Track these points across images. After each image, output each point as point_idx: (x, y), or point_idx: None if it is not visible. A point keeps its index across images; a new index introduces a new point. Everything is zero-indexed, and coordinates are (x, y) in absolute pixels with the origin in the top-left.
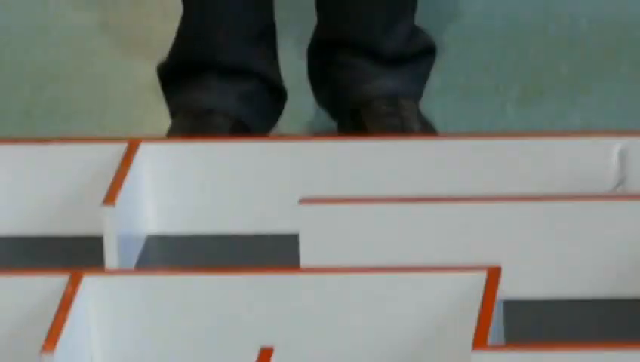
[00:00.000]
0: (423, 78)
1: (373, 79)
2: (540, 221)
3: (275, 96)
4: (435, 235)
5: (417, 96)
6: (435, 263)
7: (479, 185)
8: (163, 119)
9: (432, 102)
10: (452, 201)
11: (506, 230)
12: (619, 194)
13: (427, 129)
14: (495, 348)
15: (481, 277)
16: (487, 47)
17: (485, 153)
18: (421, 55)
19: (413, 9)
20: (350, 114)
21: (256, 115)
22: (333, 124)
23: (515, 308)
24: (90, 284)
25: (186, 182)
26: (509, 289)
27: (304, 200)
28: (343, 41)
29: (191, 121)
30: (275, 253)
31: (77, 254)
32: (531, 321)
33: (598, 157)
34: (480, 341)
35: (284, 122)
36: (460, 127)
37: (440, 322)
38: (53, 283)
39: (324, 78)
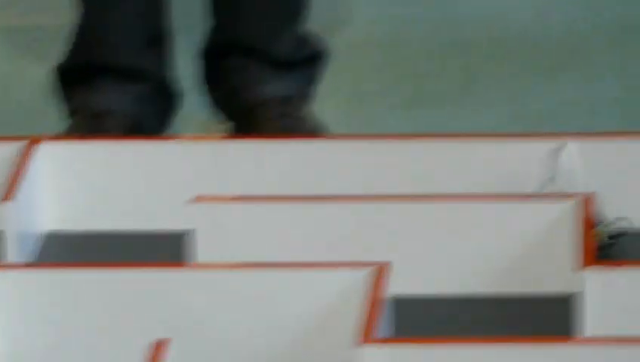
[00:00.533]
0: (314, 81)
1: (265, 82)
2: (428, 220)
3: (169, 98)
4: (326, 234)
5: (309, 98)
6: (324, 261)
7: (370, 185)
8: (61, 119)
9: (323, 105)
10: (343, 200)
11: (395, 229)
12: (518, 194)
13: (318, 130)
14: (380, 341)
15: (369, 273)
16: (377, 52)
17: (378, 154)
18: (312, 59)
19: (305, 14)
20: (244, 115)
21: (151, 116)
22: (228, 126)
23: (404, 305)
24: None
25: (84, 181)
26: (398, 286)
27: (197, 199)
28: (235, 45)
29: (88, 122)
30: (167, 250)
31: None
32: (420, 318)
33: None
34: (366, 336)
35: (180, 123)
36: (349, 129)
37: (327, 318)
38: None
39: (217, 80)
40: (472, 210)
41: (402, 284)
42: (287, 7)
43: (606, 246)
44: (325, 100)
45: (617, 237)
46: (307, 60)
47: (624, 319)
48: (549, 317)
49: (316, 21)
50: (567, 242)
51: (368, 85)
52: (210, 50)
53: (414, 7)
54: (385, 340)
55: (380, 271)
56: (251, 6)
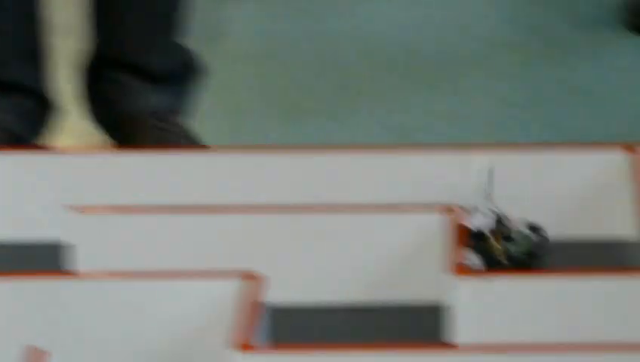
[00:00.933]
0: (190, 94)
1: (142, 95)
2: (303, 230)
3: (49, 110)
4: (204, 244)
5: (184, 111)
6: (202, 270)
7: (247, 197)
8: None
9: (200, 120)
10: (220, 211)
11: (271, 239)
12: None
13: (194, 143)
14: (255, 350)
15: (246, 282)
16: (254, 66)
17: (257, 166)
18: (188, 73)
19: (180, 28)
20: (120, 128)
21: (28, 128)
22: (107, 139)
23: (279, 314)
24: None
25: None
26: (274, 295)
27: (76, 209)
28: (112, 60)
29: None
30: (46, 260)
31: None
32: (295, 327)
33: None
34: (241, 344)
35: (60, 135)
36: (227, 141)
37: (204, 328)
38: None
39: (95, 94)
40: (346, 220)
41: (278, 293)
42: (163, 22)
43: (518, 257)
44: (203, 113)
45: (529, 247)
46: (182, 74)
47: (493, 328)
48: (422, 325)
49: (193, 35)
50: (440, 252)
51: (245, 98)
52: (87, 63)
53: (291, 22)
54: (260, 349)
55: (256, 281)
56: (127, 20)
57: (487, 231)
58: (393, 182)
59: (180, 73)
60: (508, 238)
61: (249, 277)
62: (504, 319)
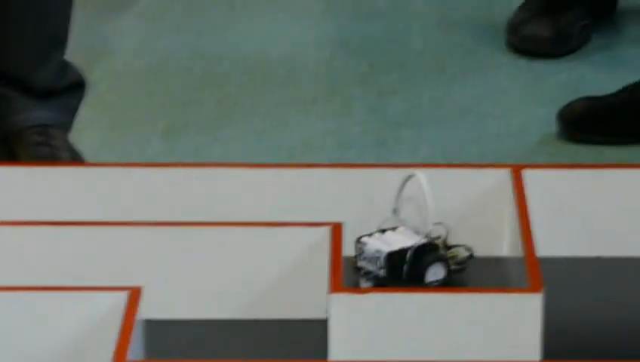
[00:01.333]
0: (73, 110)
1: (24, 110)
2: (185, 244)
3: None
4: (82, 258)
5: (67, 127)
6: (79, 285)
7: (128, 212)
8: None
9: (82, 134)
10: (97, 225)
11: (152, 254)
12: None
13: (76, 158)
14: None
15: (123, 297)
16: (136, 82)
17: (138, 181)
18: (71, 89)
19: (64, 45)
20: (4, 143)
21: None
22: None
23: (156, 328)
24: None
25: None
26: (150, 310)
27: None
28: None
29: None
30: None
31: None
32: (172, 341)
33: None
34: (120, 357)
35: None
36: (108, 158)
37: (81, 342)
38: None
39: None
40: (230, 235)
41: (157, 308)
42: (47, 38)
43: (451, 272)
44: (85, 129)
45: (462, 263)
46: (66, 90)
47: (369, 344)
48: (304, 341)
49: (77, 51)
50: (321, 267)
51: (126, 114)
52: None
53: (172, 38)
54: None
55: (134, 295)
56: (11, 36)
57: (438, 241)
58: (278, 199)
59: (64, 89)
60: (449, 247)
61: (127, 291)
62: (380, 334)
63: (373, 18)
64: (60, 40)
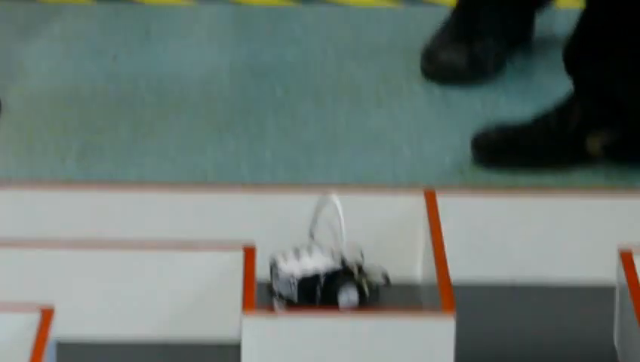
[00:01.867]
0: None
1: None
2: (97, 266)
3: None
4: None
5: None
6: None
7: (40, 232)
8: None
9: None
10: (11, 246)
11: (61, 274)
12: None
13: None
14: None
15: (35, 317)
16: (51, 106)
17: (51, 202)
18: None
19: None
20: None
21: None
22: None
23: (67, 349)
24: None
25: None
26: (63, 330)
27: None
28: None
29: None
30: None
31: None
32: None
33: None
34: None
35: None
36: (20, 177)
37: None
38: None
39: None
40: (144, 257)
41: (68, 330)
42: None
43: (365, 298)
44: None
45: (377, 289)
46: None
47: None
48: None
49: None
50: (234, 290)
51: (41, 137)
52: None
53: (87, 61)
54: None
55: (46, 316)
56: None
57: (353, 267)
58: (192, 221)
59: None
60: (365, 272)
61: (40, 311)
62: (293, 356)
63: (288, 43)
64: None
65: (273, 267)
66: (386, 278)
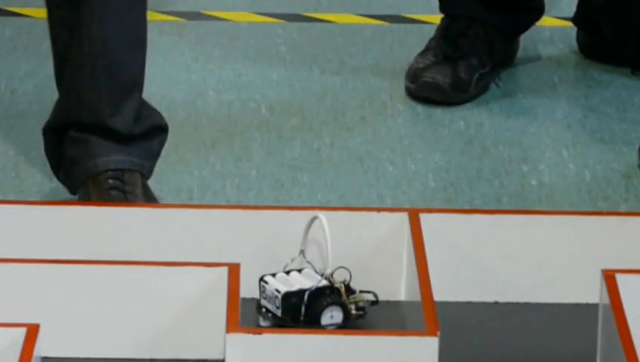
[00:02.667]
0: (154, 154)
1: (102, 154)
2: (79, 283)
3: None
4: None
5: (146, 171)
6: None
7: (26, 249)
8: None
9: None
10: None
11: (49, 291)
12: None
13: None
14: None
15: (20, 333)
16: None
17: (37, 219)
18: (150, 133)
19: (139, 91)
20: (82, 187)
21: None
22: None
23: None
24: None
25: None
26: (48, 347)
27: None
28: (76, 120)
29: None
30: None
31: None
32: None
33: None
34: None
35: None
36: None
37: None
38: None
39: (59, 153)
40: (128, 274)
41: (53, 346)
42: (122, 86)
43: (350, 317)
44: None
45: (364, 307)
46: (145, 134)
47: None
48: None
49: None
50: (219, 308)
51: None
52: (52, 126)
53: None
54: None
55: (31, 332)
56: (86, 87)
57: (340, 286)
58: (177, 239)
59: (142, 133)
60: (352, 291)
61: (25, 328)
62: None
63: (273, 63)
64: (133, 86)
65: (261, 281)
66: (375, 298)
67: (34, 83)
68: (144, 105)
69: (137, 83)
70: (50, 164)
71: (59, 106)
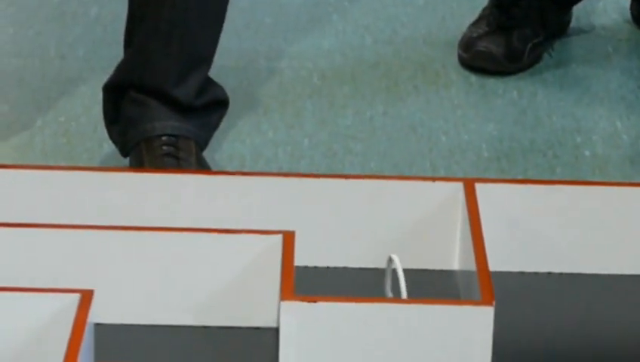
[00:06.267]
0: (212, 127)
1: (160, 118)
2: (132, 250)
3: None
4: (34, 259)
5: (202, 142)
6: (37, 286)
7: (83, 215)
8: None
9: None
10: (52, 228)
11: (100, 257)
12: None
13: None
14: None
15: (74, 299)
16: None
17: (91, 185)
18: (211, 106)
19: (207, 65)
20: (133, 149)
21: None
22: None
23: (106, 332)
24: None
25: None
26: (101, 313)
27: None
28: (137, 84)
29: None
30: None
31: None
32: (121, 346)
33: None
34: (70, 361)
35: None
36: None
37: (33, 342)
38: None
39: (116, 114)
40: (182, 241)
41: (106, 313)
42: (191, 57)
43: None
44: None
45: None
46: (205, 106)
47: (319, 352)
48: (257, 348)
49: None
50: (273, 276)
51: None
52: (112, 85)
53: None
54: None
55: (85, 298)
56: (156, 51)
57: None
58: (230, 206)
59: (203, 105)
60: None
61: (79, 293)
62: (330, 343)
63: (325, 31)
64: (203, 60)
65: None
66: None
67: (83, 49)
68: (209, 80)
69: (207, 58)
70: (106, 123)
71: (124, 65)
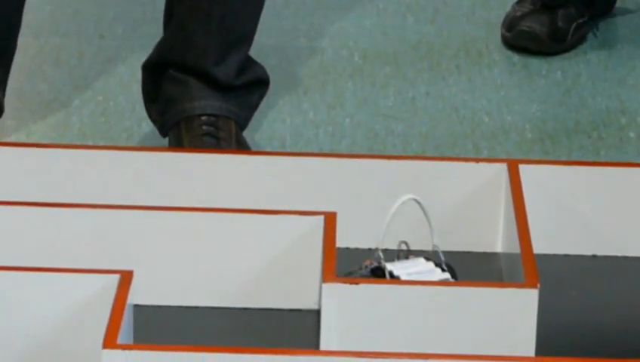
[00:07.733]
0: (252, 106)
1: (201, 98)
2: (172, 231)
3: None
4: (74, 240)
5: (242, 121)
6: (76, 266)
7: (121, 196)
8: None
9: None
10: (91, 208)
11: (139, 238)
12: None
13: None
14: (124, 347)
15: (114, 280)
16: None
17: (132, 165)
18: (251, 86)
19: (248, 45)
20: (173, 128)
21: None
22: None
23: (145, 313)
24: None
25: None
26: (140, 294)
27: None
28: (177, 63)
29: None
30: None
31: None
32: (161, 327)
33: None
34: (110, 341)
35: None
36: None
37: (73, 322)
38: None
39: (155, 92)
40: (222, 221)
41: (145, 294)
42: (232, 36)
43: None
44: None
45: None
46: (246, 86)
47: (360, 334)
48: (295, 330)
49: None
50: (314, 257)
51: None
52: (152, 64)
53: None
54: (126, 346)
55: (124, 279)
56: (197, 29)
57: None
58: (271, 186)
59: (243, 84)
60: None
61: (119, 274)
62: (372, 325)
63: (366, 10)
64: (243, 39)
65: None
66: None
67: (122, 28)
68: (249, 60)
69: (248, 37)
70: (145, 102)
71: (164, 43)
